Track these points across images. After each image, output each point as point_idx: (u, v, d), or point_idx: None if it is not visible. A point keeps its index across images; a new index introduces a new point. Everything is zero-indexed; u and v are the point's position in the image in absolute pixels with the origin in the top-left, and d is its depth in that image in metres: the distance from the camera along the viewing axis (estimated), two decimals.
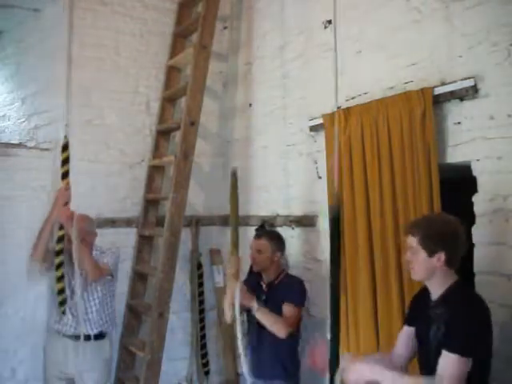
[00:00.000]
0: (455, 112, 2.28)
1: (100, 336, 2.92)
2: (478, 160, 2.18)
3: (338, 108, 2.82)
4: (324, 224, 2.84)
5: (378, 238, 2.47)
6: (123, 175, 3.59)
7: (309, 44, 3.20)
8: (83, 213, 2.92)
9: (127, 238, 3.53)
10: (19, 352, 3.10)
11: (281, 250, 2.86)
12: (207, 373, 3.69)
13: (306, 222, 3.14)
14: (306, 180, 3.18)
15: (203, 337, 3.69)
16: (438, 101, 2.29)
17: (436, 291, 1.80)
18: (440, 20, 2.36)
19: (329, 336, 2.21)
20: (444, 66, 2.33)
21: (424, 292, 1.88)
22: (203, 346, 3.68)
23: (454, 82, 2.24)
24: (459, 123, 2.27)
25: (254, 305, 2.54)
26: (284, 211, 3.35)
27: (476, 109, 2.19)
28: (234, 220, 2.66)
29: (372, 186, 2.53)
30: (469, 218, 2.10)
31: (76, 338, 2.81)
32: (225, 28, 4.01)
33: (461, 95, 2.22)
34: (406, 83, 2.50)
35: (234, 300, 2.47)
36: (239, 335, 2.44)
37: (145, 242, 3.59)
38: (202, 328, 3.69)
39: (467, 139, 2.23)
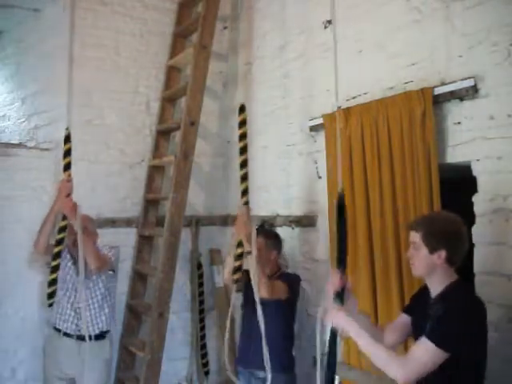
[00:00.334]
0: (455, 112, 2.28)
1: (100, 336, 2.92)
2: (477, 160, 2.18)
3: (338, 108, 2.82)
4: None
5: (377, 237, 2.48)
6: (123, 175, 3.59)
7: (309, 44, 3.20)
8: (84, 213, 2.93)
9: (127, 238, 3.53)
10: (19, 352, 3.10)
11: (277, 249, 2.86)
12: (207, 373, 3.69)
13: (305, 222, 3.14)
14: (305, 180, 3.18)
15: (203, 337, 3.69)
16: (438, 101, 2.29)
17: (435, 289, 1.81)
18: (440, 20, 2.36)
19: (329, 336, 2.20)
20: (444, 66, 2.33)
21: (424, 291, 1.88)
22: (203, 346, 3.68)
23: (454, 81, 2.24)
24: (459, 123, 2.27)
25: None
26: (284, 211, 3.35)
27: (476, 109, 2.19)
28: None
29: (372, 186, 2.53)
30: (469, 218, 2.09)
31: (77, 338, 2.82)
32: (225, 28, 4.01)
33: (461, 95, 2.22)
34: (406, 83, 2.50)
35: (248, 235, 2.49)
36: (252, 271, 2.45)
37: (145, 242, 3.59)
38: (202, 328, 3.69)
39: (467, 139, 2.23)
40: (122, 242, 3.42)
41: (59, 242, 2.67)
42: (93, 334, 2.86)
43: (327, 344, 1.94)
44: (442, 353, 1.62)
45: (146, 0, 3.74)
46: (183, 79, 3.79)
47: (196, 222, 3.76)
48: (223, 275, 3.07)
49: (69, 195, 2.66)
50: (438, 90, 2.28)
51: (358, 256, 2.58)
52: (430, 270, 1.79)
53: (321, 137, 2.95)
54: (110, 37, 3.59)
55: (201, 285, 3.70)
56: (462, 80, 2.21)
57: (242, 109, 2.64)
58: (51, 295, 2.75)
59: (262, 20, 3.67)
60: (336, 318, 1.85)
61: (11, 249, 3.09)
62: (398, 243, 2.38)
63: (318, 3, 3.11)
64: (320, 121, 2.93)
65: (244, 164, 2.59)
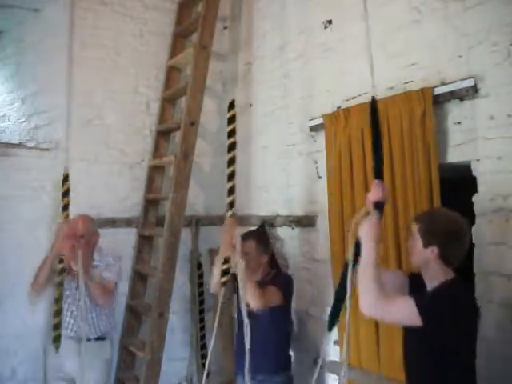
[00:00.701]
0: (455, 112, 2.28)
1: (101, 337, 2.92)
2: (478, 160, 2.18)
3: (338, 108, 2.83)
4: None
5: None
6: (123, 175, 3.59)
7: (309, 44, 3.19)
8: (84, 213, 2.93)
9: (127, 238, 3.53)
10: (19, 352, 3.10)
11: (268, 253, 2.84)
12: (208, 373, 3.68)
13: (305, 222, 3.14)
14: (305, 180, 3.18)
15: (203, 337, 3.69)
16: (438, 101, 2.29)
17: (430, 284, 1.83)
18: (440, 20, 2.36)
19: (328, 336, 2.20)
20: (444, 66, 2.33)
21: (421, 277, 1.90)
22: (203, 346, 3.68)
23: (454, 82, 2.24)
24: (459, 123, 2.26)
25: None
26: (284, 211, 3.35)
27: (476, 109, 2.19)
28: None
29: None
30: (469, 218, 2.09)
31: (77, 339, 2.81)
32: (225, 28, 4.01)
33: (461, 95, 2.22)
34: (406, 83, 2.49)
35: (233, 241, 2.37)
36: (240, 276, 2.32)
37: (145, 242, 3.59)
38: (202, 328, 3.69)
39: (467, 139, 2.22)
40: (121, 242, 3.43)
41: (60, 284, 2.72)
42: (92, 337, 2.85)
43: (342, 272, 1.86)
44: (417, 316, 1.65)
45: (145, 0, 3.74)
46: (183, 79, 3.78)
47: (196, 222, 3.76)
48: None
49: (68, 236, 2.66)
50: (438, 90, 2.28)
51: None
52: (424, 262, 1.84)
53: (321, 137, 2.95)
54: (110, 37, 3.59)
55: (201, 285, 3.70)
56: (461, 80, 2.21)
57: (232, 105, 2.60)
58: (57, 339, 2.72)
59: (262, 20, 3.67)
60: (368, 225, 1.78)
61: (11, 249, 3.09)
62: (398, 243, 2.37)
63: (317, 3, 3.12)
64: (320, 121, 2.93)
65: (232, 162, 2.54)
